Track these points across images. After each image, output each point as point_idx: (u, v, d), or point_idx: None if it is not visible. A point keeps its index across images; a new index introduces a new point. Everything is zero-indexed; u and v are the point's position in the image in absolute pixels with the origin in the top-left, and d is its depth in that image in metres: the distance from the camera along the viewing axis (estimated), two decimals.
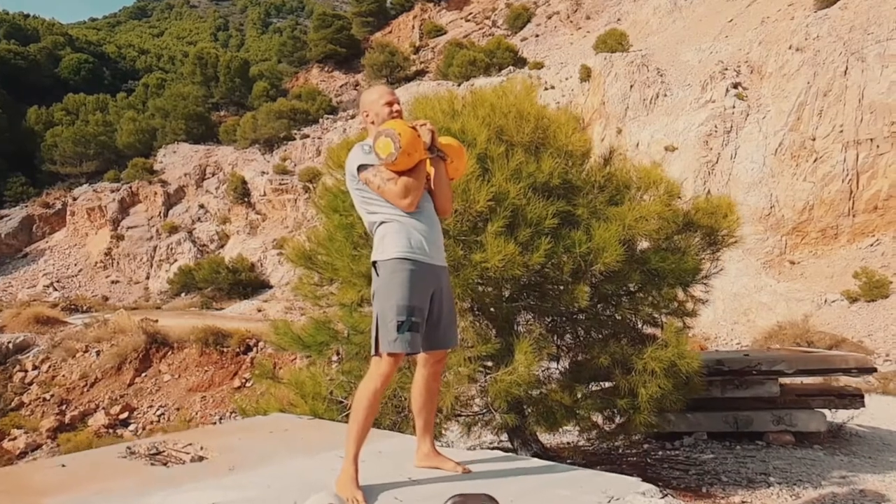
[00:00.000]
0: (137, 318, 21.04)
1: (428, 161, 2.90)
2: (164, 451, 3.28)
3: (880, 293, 19.39)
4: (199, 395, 16.82)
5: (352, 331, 3.68)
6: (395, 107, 2.97)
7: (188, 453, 3.26)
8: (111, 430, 15.42)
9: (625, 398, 3.52)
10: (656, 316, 3.84)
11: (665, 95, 29.62)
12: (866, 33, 22.48)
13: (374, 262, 2.89)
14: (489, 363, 3.41)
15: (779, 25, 27.51)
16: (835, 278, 20.83)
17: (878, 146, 21.41)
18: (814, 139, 22.71)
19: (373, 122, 3.01)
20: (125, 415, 15.89)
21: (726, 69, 27.76)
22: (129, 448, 3.32)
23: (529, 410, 3.48)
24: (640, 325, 3.86)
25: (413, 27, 53.16)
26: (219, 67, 51.75)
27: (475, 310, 3.46)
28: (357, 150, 2.93)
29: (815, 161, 22.45)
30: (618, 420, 3.61)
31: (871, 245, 21.49)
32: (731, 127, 25.55)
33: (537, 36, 44.10)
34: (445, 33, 50.01)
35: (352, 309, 3.69)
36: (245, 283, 33.94)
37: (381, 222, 2.90)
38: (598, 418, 3.51)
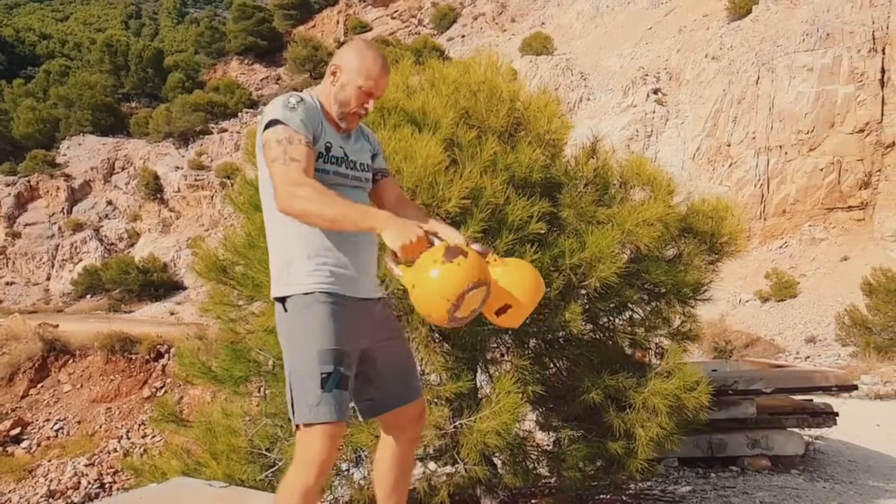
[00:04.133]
0: (34, 322, 19.41)
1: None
2: None
3: (789, 293, 20.32)
4: (104, 407, 15.63)
5: (279, 363, 2.97)
6: (370, 104, 2.08)
7: None
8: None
9: (619, 441, 2.95)
10: (651, 339, 3.40)
11: (588, 99, 30.16)
12: (776, 45, 23.52)
13: (282, 302, 2.01)
14: (452, 400, 2.82)
15: (695, 35, 28.47)
16: (748, 279, 21.66)
17: (786, 153, 22.43)
18: (729, 145, 23.58)
19: (333, 84, 2.10)
20: (17, 430, 14.52)
21: (647, 75, 28.51)
22: None
23: (503, 459, 2.96)
24: (632, 351, 3.43)
25: (338, 22, 52.16)
26: (130, 56, 49.01)
27: (438, 337, 2.88)
28: (278, 101, 2.00)
29: (730, 166, 23.30)
30: (604, 465, 3.11)
31: (781, 247, 22.50)
32: (652, 131, 26.22)
33: (463, 37, 44.09)
34: (371, 30, 49.31)
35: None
36: (157, 284, 32.31)
37: (280, 217, 1.97)
38: (580, 463, 3.00)
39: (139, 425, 15.47)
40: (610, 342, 3.20)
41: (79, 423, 15.24)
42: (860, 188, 21.50)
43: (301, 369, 1.94)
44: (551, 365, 3.12)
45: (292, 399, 1.94)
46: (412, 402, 2.15)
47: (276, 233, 2.05)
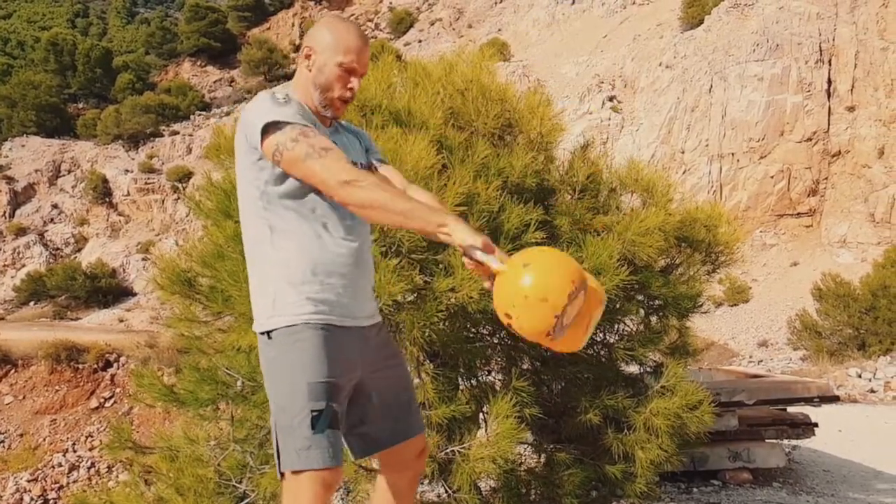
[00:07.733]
0: None
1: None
2: None
3: (741, 298, 20.78)
4: (49, 419, 14.99)
5: (250, 384, 2.72)
6: (355, 84, 1.79)
7: None
8: None
9: (617, 464, 2.79)
10: (648, 355, 3.28)
11: None
12: (728, 55, 24.11)
13: (266, 333, 1.74)
14: (442, 425, 2.64)
15: (649, 43, 28.98)
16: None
17: (738, 160, 22.99)
18: (683, 152, 24.03)
19: (309, 70, 1.80)
20: None
21: (602, 82, 28.88)
22: None
23: (494, 486, 2.80)
24: (630, 369, 3.31)
25: (293, 25, 51.56)
26: (77, 55, 47.43)
27: (424, 358, 2.68)
28: (265, 100, 1.70)
29: (684, 173, 23.74)
30: (602, 489, 2.98)
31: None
32: (608, 138, 26.54)
33: (420, 41, 44.02)
34: None
35: (251, 355, 2.64)
36: (105, 290, 31.24)
37: (272, 228, 1.71)
38: (577, 489, 2.86)
39: (86, 437, 14.88)
40: (605, 359, 3.08)
41: (21, 436, 14.57)
42: (808, 195, 22.18)
43: (288, 407, 1.67)
44: (544, 386, 2.98)
45: (277, 444, 1.69)
46: (412, 438, 1.92)
47: (259, 258, 1.76)
